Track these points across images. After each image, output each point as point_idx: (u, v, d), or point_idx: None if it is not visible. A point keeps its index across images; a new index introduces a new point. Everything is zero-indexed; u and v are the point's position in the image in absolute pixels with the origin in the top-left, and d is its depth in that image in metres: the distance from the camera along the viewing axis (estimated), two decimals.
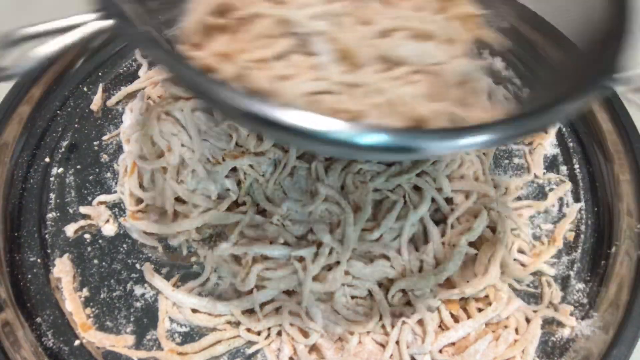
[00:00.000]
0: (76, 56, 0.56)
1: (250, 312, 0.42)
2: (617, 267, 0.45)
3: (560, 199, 0.50)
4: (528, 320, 0.43)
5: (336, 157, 0.46)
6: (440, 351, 0.41)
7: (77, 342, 0.42)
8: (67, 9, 0.29)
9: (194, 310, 0.42)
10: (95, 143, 0.52)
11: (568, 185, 0.50)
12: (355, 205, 0.45)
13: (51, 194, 0.49)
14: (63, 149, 0.52)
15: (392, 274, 0.43)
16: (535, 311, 0.43)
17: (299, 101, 0.30)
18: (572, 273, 0.46)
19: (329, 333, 0.41)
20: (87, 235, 0.47)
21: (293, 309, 0.42)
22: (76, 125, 0.53)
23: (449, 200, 0.48)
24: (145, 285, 0.44)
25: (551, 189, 0.50)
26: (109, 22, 0.28)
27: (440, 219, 0.47)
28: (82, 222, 0.47)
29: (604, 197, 0.49)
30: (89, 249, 0.46)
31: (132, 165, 0.48)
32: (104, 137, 0.53)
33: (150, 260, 0.46)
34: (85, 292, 0.44)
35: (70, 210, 0.48)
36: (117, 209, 0.48)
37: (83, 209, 0.48)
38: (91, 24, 0.28)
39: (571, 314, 0.43)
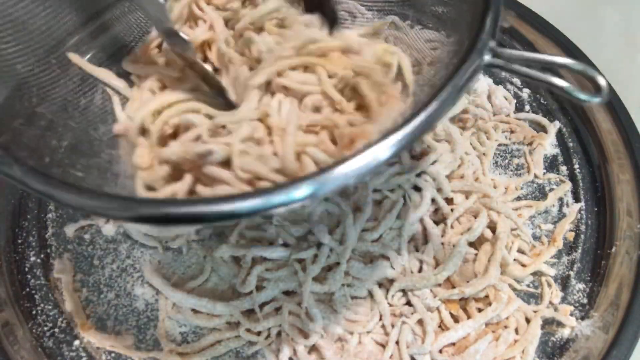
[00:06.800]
0: None
1: (250, 312, 0.42)
2: (617, 267, 0.45)
3: (560, 199, 0.50)
4: (528, 321, 0.43)
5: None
6: (440, 351, 0.41)
7: (77, 342, 0.42)
8: None
9: (194, 311, 0.42)
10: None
11: (568, 185, 0.50)
12: (355, 206, 0.45)
13: None
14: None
15: (392, 274, 0.43)
16: (535, 311, 0.43)
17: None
18: (572, 273, 0.46)
19: (329, 333, 0.41)
20: (87, 236, 0.47)
21: (293, 310, 0.42)
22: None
23: (449, 200, 0.48)
24: (145, 285, 0.44)
25: (551, 189, 0.50)
26: None
27: (440, 219, 0.47)
28: (82, 222, 0.47)
29: (604, 197, 0.49)
30: (89, 249, 0.46)
31: None
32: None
33: (150, 260, 0.46)
34: (85, 292, 0.44)
35: (70, 210, 0.48)
36: None
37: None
38: None
39: (571, 314, 0.43)
